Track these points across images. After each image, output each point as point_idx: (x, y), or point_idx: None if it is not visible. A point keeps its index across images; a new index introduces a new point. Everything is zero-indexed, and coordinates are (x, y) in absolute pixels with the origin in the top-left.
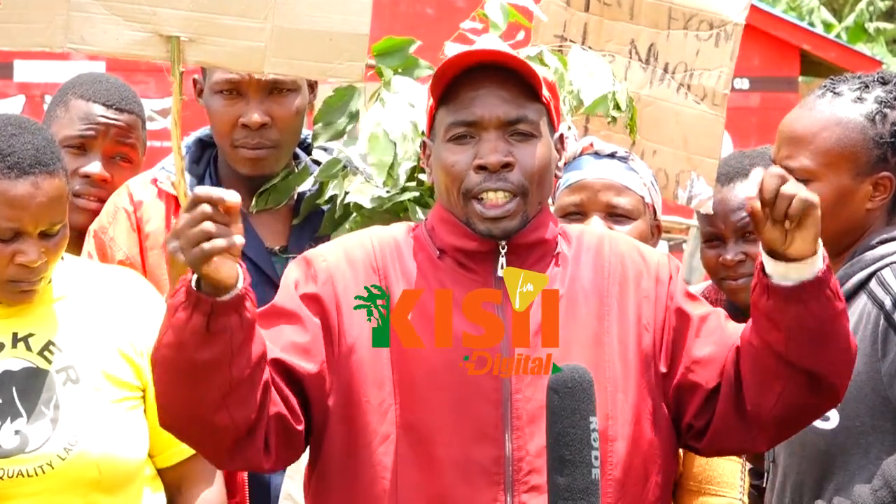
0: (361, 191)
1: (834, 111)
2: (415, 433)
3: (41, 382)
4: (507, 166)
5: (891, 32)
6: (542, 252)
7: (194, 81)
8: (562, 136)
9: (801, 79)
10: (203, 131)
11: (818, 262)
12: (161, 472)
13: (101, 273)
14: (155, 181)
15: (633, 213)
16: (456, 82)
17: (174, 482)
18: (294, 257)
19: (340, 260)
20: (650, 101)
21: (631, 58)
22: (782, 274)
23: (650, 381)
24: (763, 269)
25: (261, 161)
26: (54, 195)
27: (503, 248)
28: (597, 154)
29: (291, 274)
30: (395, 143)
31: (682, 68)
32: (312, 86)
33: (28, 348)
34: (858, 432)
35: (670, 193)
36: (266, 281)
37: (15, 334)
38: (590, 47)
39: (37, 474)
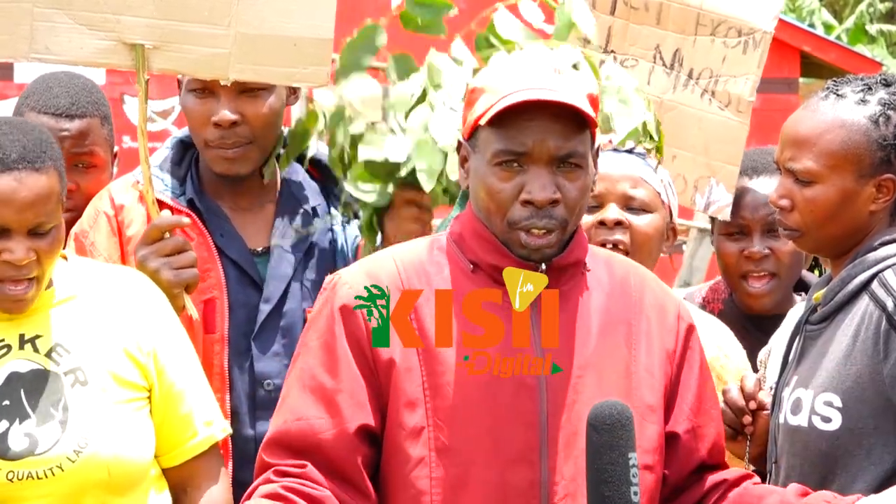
0: (372, 141)
1: (837, 113)
2: (451, 456)
3: (49, 384)
4: (553, 203)
5: (895, 35)
6: (574, 270)
7: (178, 81)
8: (598, 149)
9: (801, 80)
10: (184, 132)
11: None
12: (166, 472)
13: (105, 273)
14: (137, 184)
15: (649, 205)
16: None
17: (179, 482)
18: (275, 256)
19: (366, 285)
20: (672, 106)
21: (655, 62)
22: None
23: (667, 409)
24: None
25: (235, 160)
26: (40, 192)
27: (542, 272)
28: (615, 150)
29: (320, 313)
30: (445, 154)
31: (708, 74)
32: (294, 88)
33: (35, 350)
34: (861, 434)
35: (688, 199)
36: (249, 282)
37: (22, 336)
38: (613, 51)
39: (46, 476)
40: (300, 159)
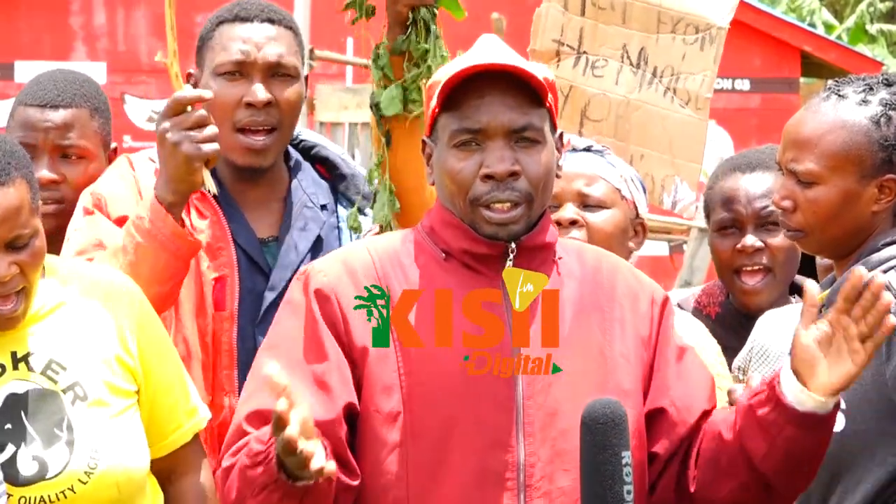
0: None
1: (839, 114)
2: (428, 441)
3: (50, 404)
4: (513, 175)
5: (895, 35)
6: (545, 256)
7: (188, 76)
8: (561, 134)
9: (801, 80)
10: None
11: (832, 401)
12: (150, 462)
13: (85, 275)
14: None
15: (605, 202)
16: (460, 88)
17: (164, 472)
18: (283, 245)
19: (341, 273)
20: (638, 106)
21: (623, 62)
22: (799, 399)
23: (648, 391)
24: (779, 383)
25: (259, 152)
26: (9, 206)
27: (512, 252)
28: (573, 149)
29: (296, 299)
30: None
31: (669, 72)
32: (305, 81)
33: (30, 369)
34: (864, 435)
35: (656, 199)
36: (257, 270)
37: (14, 354)
38: (585, 52)
39: (58, 500)
40: (311, 159)
